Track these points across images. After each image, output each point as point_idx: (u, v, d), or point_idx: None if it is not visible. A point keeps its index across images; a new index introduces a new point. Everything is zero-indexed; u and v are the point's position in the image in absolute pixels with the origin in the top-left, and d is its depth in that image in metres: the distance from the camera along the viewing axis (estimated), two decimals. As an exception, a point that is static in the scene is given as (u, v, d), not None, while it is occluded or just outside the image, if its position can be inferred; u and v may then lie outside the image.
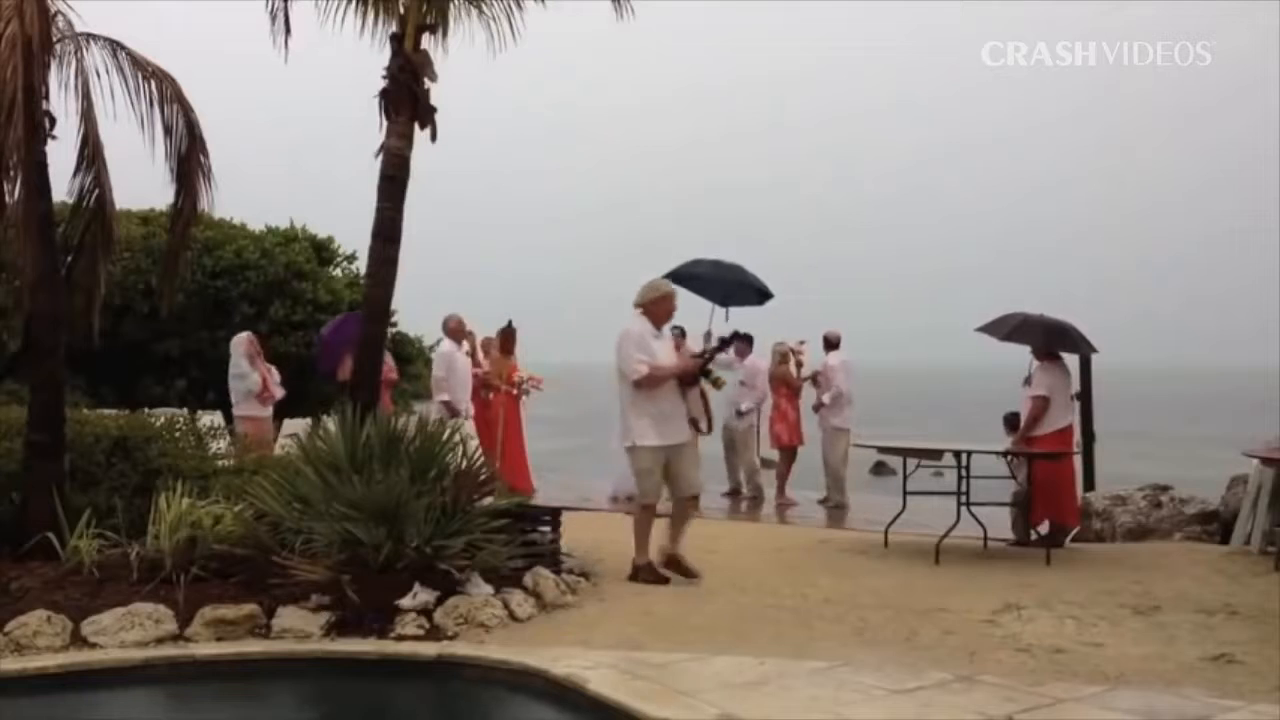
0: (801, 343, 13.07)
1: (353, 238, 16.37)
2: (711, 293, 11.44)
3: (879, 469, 18.86)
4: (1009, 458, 9.28)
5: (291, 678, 5.64)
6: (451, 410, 11.18)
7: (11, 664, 5.41)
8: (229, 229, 16.06)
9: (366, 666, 5.65)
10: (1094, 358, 10.33)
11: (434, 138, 8.58)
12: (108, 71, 7.78)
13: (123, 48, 7.92)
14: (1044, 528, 9.25)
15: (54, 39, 7.32)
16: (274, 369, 12.09)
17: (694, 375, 7.54)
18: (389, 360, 11.16)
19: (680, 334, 9.29)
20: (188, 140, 8.10)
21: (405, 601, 6.06)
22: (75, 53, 7.62)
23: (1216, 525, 9.66)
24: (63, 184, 7.69)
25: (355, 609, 5.98)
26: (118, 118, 7.81)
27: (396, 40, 8.44)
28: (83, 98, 7.59)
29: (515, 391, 12.41)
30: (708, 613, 6.63)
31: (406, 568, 6.18)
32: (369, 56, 8.59)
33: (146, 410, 10.94)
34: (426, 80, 8.44)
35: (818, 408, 12.53)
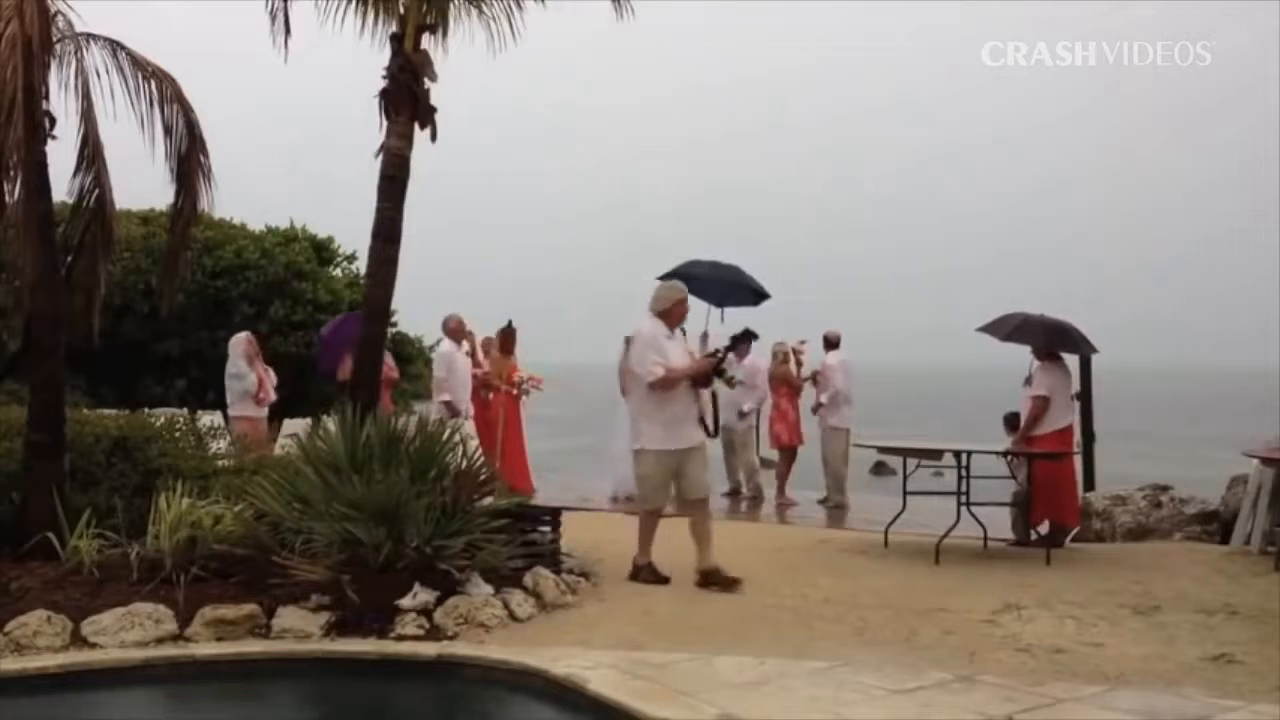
0: (803, 342, 13.07)
1: (353, 238, 16.37)
2: (708, 294, 11.45)
3: (879, 469, 18.85)
4: (1009, 458, 9.29)
5: (291, 678, 5.64)
6: (452, 410, 11.18)
7: (11, 664, 5.42)
8: (229, 229, 16.06)
9: (366, 666, 5.65)
10: (1094, 358, 10.33)
11: (434, 138, 8.58)
12: (108, 71, 7.79)
13: (123, 48, 7.92)
14: (1044, 528, 9.25)
15: (54, 39, 7.32)
16: (271, 371, 12.09)
17: (708, 376, 7.52)
18: (389, 360, 11.16)
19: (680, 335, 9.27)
20: (188, 140, 8.10)
21: (405, 601, 6.06)
22: (75, 53, 7.62)
23: (1216, 525, 9.66)
24: (63, 184, 7.71)
25: (355, 609, 5.98)
26: (118, 118, 7.81)
27: (396, 40, 8.44)
28: (83, 98, 7.59)
29: (515, 391, 12.41)
30: (708, 613, 6.63)
31: (406, 568, 6.18)
32: (369, 56, 8.59)
33: (146, 410, 10.95)
34: (426, 80, 8.44)
35: (816, 408, 12.53)
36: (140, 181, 9.33)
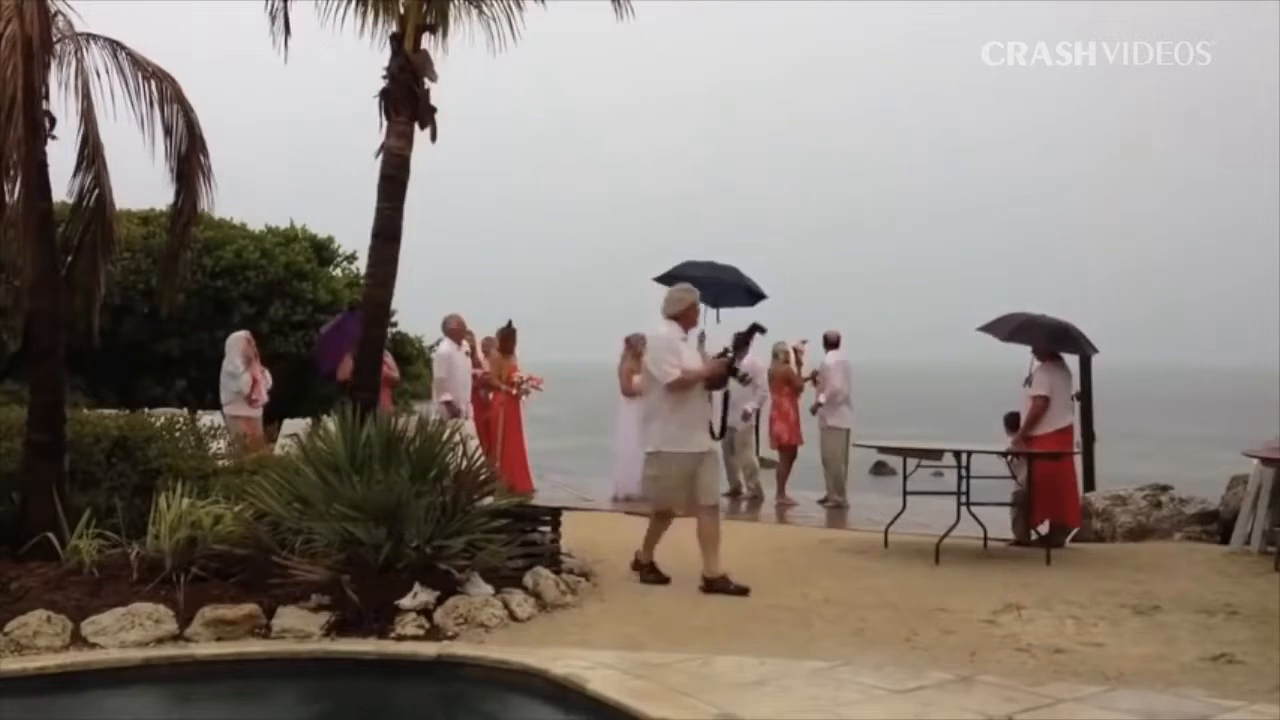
0: (804, 342, 13.07)
1: (353, 238, 16.38)
2: (704, 294, 11.45)
3: (879, 469, 18.85)
4: (1009, 458, 9.29)
5: (291, 678, 5.63)
6: (453, 411, 11.18)
7: (11, 664, 5.41)
8: (229, 229, 16.06)
9: (366, 666, 5.65)
10: (1094, 358, 10.33)
11: (434, 138, 8.58)
12: (108, 71, 7.79)
13: (123, 48, 7.92)
14: (1044, 528, 9.25)
15: (54, 39, 7.32)
16: (267, 373, 12.09)
17: (723, 376, 7.50)
18: (389, 360, 11.16)
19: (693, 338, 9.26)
20: (188, 140, 8.10)
21: (405, 601, 6.06)
22: (75, 53, 7.61)
23: (1216, 525, 9.66)
24: (63, 184, 7.71)
25: (355, 609, 5.98)
26: (118, 118, 7.81)
27: (396, 40, 8.45)
28: (83, 98, 7.59)
29: (515, 391, 12.41)
30: (708, 613, 6.63)
31: (406, 568, 6.18)
32: (369, 56, 8.60)
33: (146, 410, 10.95)
34: (426, 80, 8.44)
35: (816, 409, 12.53)
36: (140, 181, 9.34)
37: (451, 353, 11.90)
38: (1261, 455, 8.80)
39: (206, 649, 5.68)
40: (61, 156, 7.62)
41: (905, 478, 8.96)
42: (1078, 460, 9.95)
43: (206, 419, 10.40)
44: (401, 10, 8.51)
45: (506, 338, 12.66)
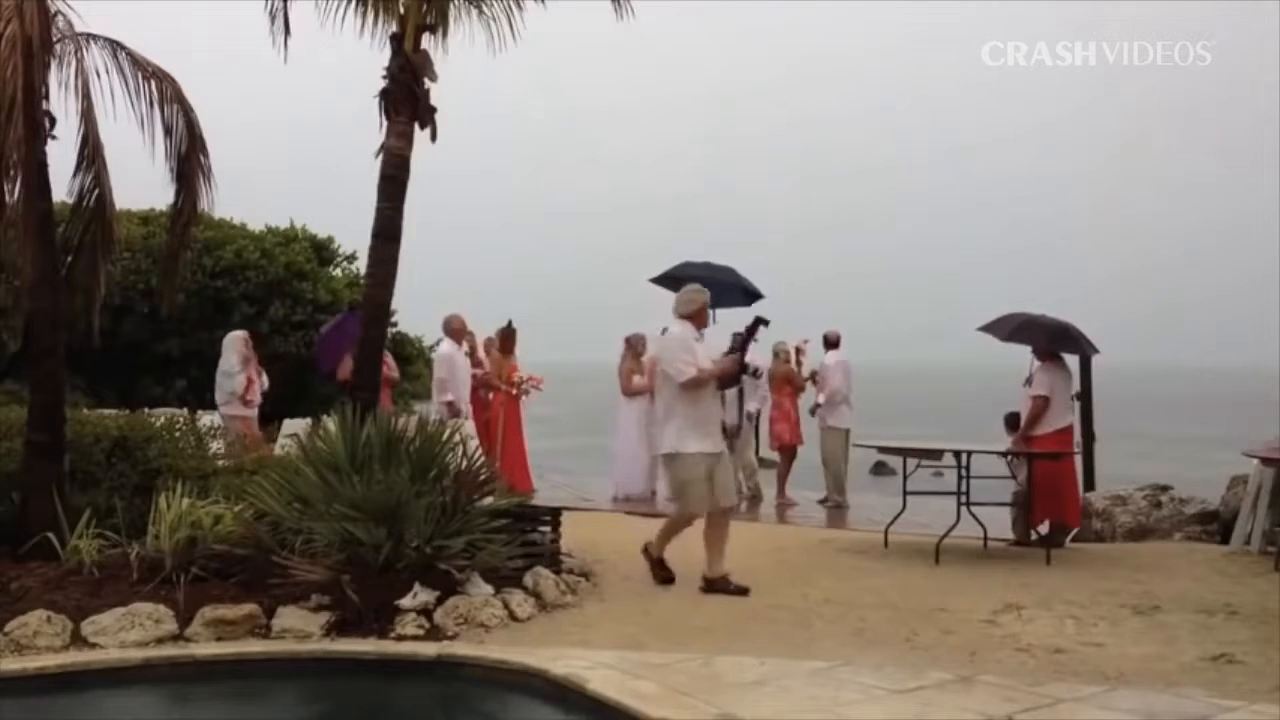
0: (805, 341, 13.08)
1: (353, 238, 16.39)
2: None
3: (879, 469, 18.86)
4: (1009, 458, 9.29)
5: (291, 678, 5.63)
6: (454, 411, 11.18)
7: (11, 664, 5.41)
8: (229, 229, 16.07)
9: (366, 666, 5.65)
10: (1094, 358, 10.33)
11: (434, 138, 8.58)
12: (108, 71, 7.79)
13: (123, 48, 7.92)
14: (1044, 528, 9.25)
15: (54, 39, 7.32)
16: (264, 374, 12.08)
17: (735, 375, 7.48)
18: (389, 360, 11.16)
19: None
20: (188, 140, 8.10)
21: (405, 601, 6.06)
22: (75, 53, 7.61)
23: (1216, 525, 9.66)
24: (63, 184, 7.71)
25: (355, 609, 5.98)
26: (118, 118, 7.81)
27: (396, 40, 8.45)
28: (83, 98, 7.59)
29: (515, 391, 12.41)
30: (708, 613, 6.63)
31: (406, 568, 6.19)
32: (369, 56, 8.60)
33: (146, 410, 10.95)
34: (426, 80, 8.44)
35: (815, 410, 12.53)
36: (140, 181, 9.34)
37: (453, 353, 11.90)
38: (1261, 455, 8.80)
39: (206, 649, 5.68)
40: (61, 156, 7.64)
41: (905, 478, 8.96)
42: (1078, 460, 9.95)
43: (206, 419, 10.41)
44: (401, 10, 8.51)
45: (506, 338, 12.67)
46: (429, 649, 5.73)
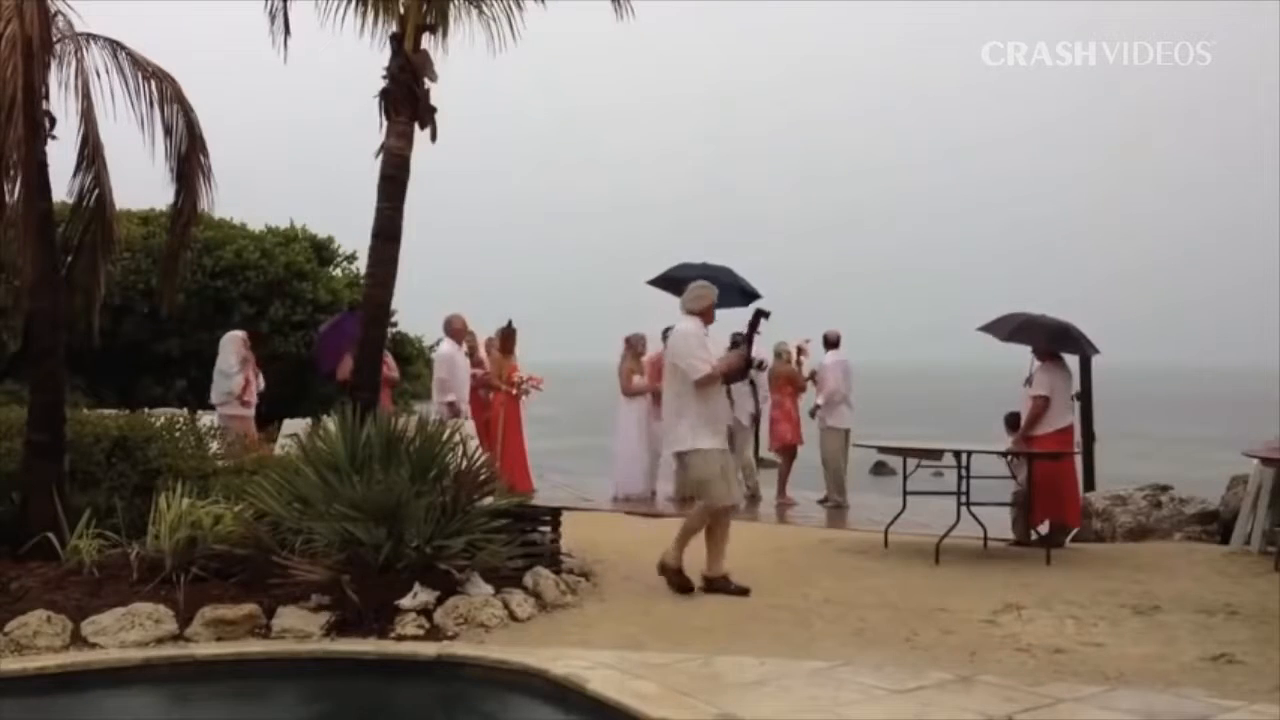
0: (807, 341, 13.08)
1: (353, 238, 16.41)
2: None
3: (879, 469, 18.86)
4: (1009, 458, 9.28)
5: (291, 678, 5.63)
6: (454, 411, 11.18)
7: (11, 664, 5.41)
8: (229, 229, 16.09)
9: (366, 666, 5.65)
10: (1094, 358, 10.33)
11: (434, 138, 8.58)
12: (108, 71, 7.79)
13: (123, 48, 7.93)
14: (1044, 528, 9.25)
15: (54, 39, 7.32)
16: (260, 374, 12.08)
17: (743, 369, 7.45)
18: (389, 360, 11.16)
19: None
20: (188, 140, 8.11)
21: (405, 601, 6.06)
22: (75, 53, 7.62)
23: (1216, 525, 9.66)
24: (63, 184, 7.72)
25: (355, 609, 5.98)
26: (118, 118, 7.82)
27: (396, 40, 8.45)
28: (83, 98, 7.59)
29: (515, 391, 12.41)
30: (708, 613, 6.63)
31: (406, 568, 6.19)
32: (369, 56, 8.60)
33: (146, 410, 10.95)
34: (426, 80, 8.44)
35: (814, 412, 12.53)
36: (140, 181, 9.34)
37: (453, 353, 11.90)
38: (1261, 455, 8.80)
39: (206, 649, 5.68)
40: (61, 156, 7.64)
41: (905, 478, 8.96)
42: (1078, 460, 9.95)
43: (206, 419, 10.41)
44: (401, 10, 8.51)
45: (506, 338, 12.66)
46: (429, 649, 5.73)
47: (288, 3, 8.64)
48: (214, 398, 11.78)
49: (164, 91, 7.99)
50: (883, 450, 11.62)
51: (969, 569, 8.15)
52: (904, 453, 9.15)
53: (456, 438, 7.14)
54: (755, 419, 12.60)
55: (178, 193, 8.23)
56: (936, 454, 9.04)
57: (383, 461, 6.68)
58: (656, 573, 7.21)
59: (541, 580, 6.72)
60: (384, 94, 8.41)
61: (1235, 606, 6.79)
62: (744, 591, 7.07)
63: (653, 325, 12.35)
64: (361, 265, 13.53)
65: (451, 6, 8.84)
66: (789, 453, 12.74)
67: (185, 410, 13.39)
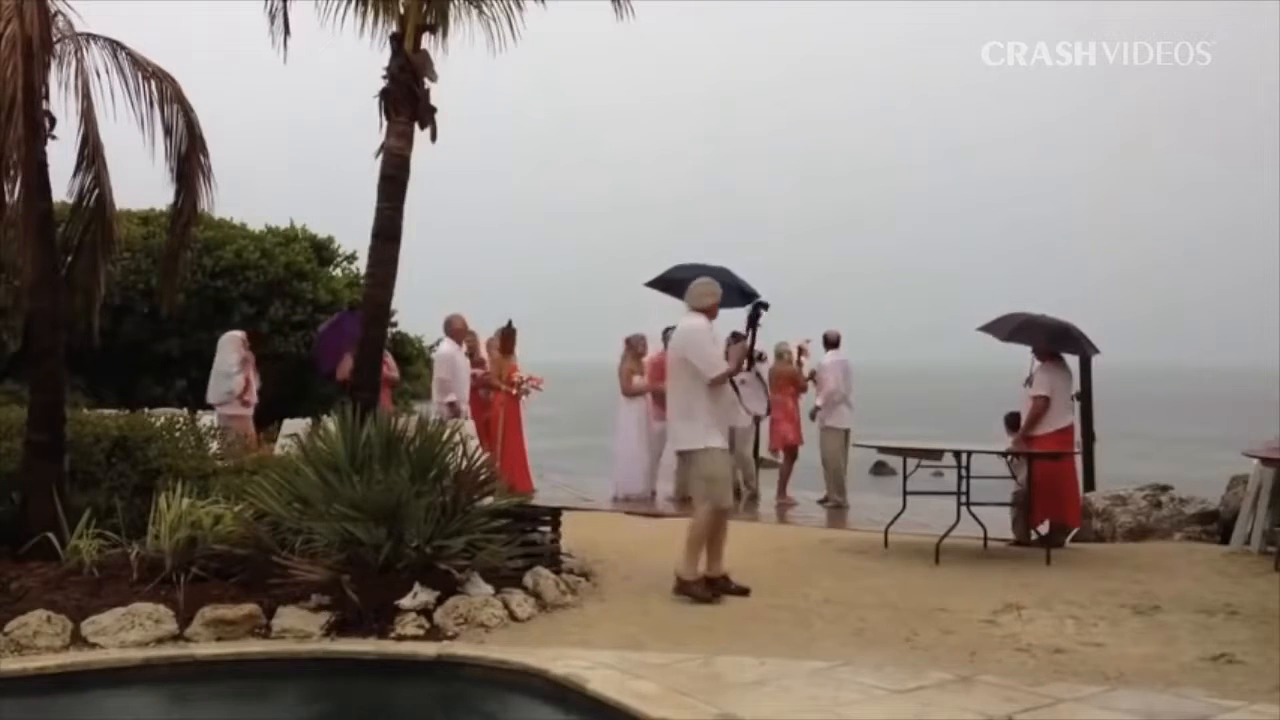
0: (807, 341, 13.08)
1: (353, 238, 16.40)
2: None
3: (879, 469, 18.86)
4: (1009, 458, 9.28)
5: (291, 678, 5.63)
6: (455, 411, 11.17)
7: (11, 664, 5.41)
8: (229, 229, 16.08)
9: (366, 666, 5.65)
10: (1094, 358, 10.33)
11: (434, 138, 8.58)
12: (108, 71, 7.80)
13: (123, 48, 7.93)
14: (1044, 528, 9.25)
15: (54, 39, 7.32)
16: (256, 374, 12.07)
17: (748, 363, 7.44)
18: (389, 360, 11.16)
19: None
20: (188, 140, 8.11)
21: (405, 601, 6.06)
22: (75, 53, 7.62)
23: (1216, 525, 9.66)
24: (63, 184, 7.72)
25: (355, 609, 5.98)
26: (118, 118, 7.82)
27: (396, 40, 8.45)
28: (83, 98, 7.60)
29: (515, 391, 12.41)
30: (707, 613, 6.63)
31: (406, 568, 6.19)
32: (369, 56, 8.60)
33: (146, 410, 10.95)
34: (426, 80, 8.44)
35: (814, 413, 12.53)
36: (140, 181, 9.35)
37: (454, 353, 11.90)
38: (1261, 455, 8.80)
39: (206, 649, 5.68)
40: (61, 156, 7.64)
41: (905, 478, 8.96)
42: (1078, 460, 9.95)
43: (206, 419, 10.41)
44: (401, 10, 8.51)
45: (507, 338, 12.66)
46: (429, 649, 5.73)
47: (288, 3, 8.64)
48: (212, 397, 11.78)
49: (164, 91, 8.00)
50: (883, 450, 11.63)
51: (969, 569, 8.15)
52: (904, 453, 9.15)
53: (456, 438, 7.14)
54: (758, 418, 12.58)
55: (178, 193, 8.24)
56: (936, 454, 9.04)
57: (383, 461, 6.68)
58: (674, 592, 6.95)
59: (541, 580, 6.72)
60: (384, 94, 8.41)
61: (1235, 606, 6.79)
62: (744, 591, 7.07)
63: (653, 326, 12.35)
64: (361, 265, 13.53)
65: (451, 6, 8.84)
66: (791, 453, 12.75)
67: (185, 410, 13.41)
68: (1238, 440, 10.21)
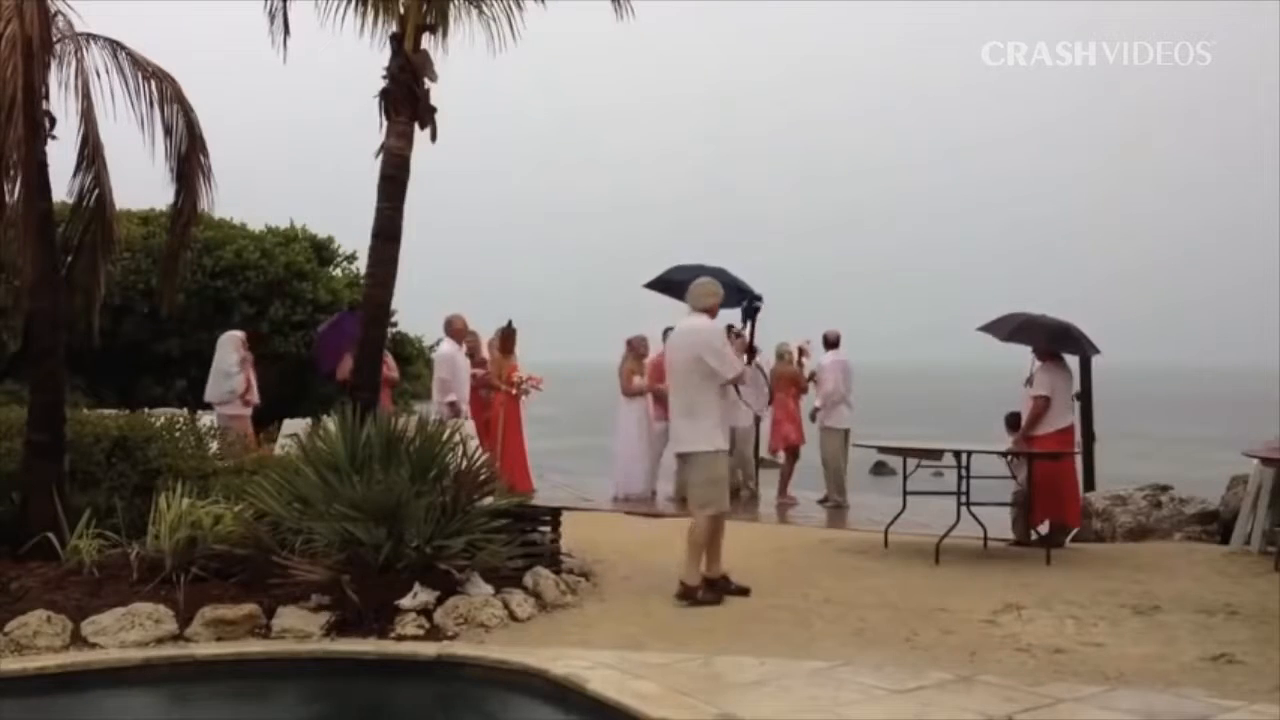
0: (808, 341, 13.08)
1: (353, 238, 16.41)
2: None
3: (879, 469, 18.86)
4: (1009, 458, 9.28)
5: (291, 678, 5.64)
6: (455, 411, 11.17)
7: (11, 664, 5.41)
8: (229, 229, 16.08)
9: (366, 666, 5.65)
10: (1094, 358, 10.33)
11: (434, 138, 8.58)
12: (108, 71, 7.80)
13: (123, 48, 7.93)
14: (1044, 528, 9.25)
15: (54, 39, 7.33)
16: (254, 376, 12.07)
17: (747, 357, 7.43)
18: (389, 360, 11.15)
19: None
20: (188, 140, 8.11)
21: (405, 601, 6.06)
22: (75, 53, 7.62)
23: (1216, 525, 9.66)
24: (63, 184, 7.72)
25: (355, 609, 5.98)
26: (118, 118, 7.82)
27: (396, 40, 8.45)
28: (83, 98, 7.60)
29: (515, 391, 12.40)
30: (707, 613, 6.63)
31: (406, 568, 6.19)
32: (369, 56, 8.60)
33: (146, 410, 10.96)
34: (426, 80, 8.44)
35: (814, 414, 12.53)
36: (140, 181, 9.35)
37: (454, 353, 11.90)
38: (1261, 455, 8.80)
39: (206, 649, 5.68)
40: (61, 156, 7.64)
41: (905, 478, 8.96)
42: (1078, 460, 9.95)
43: (206, 419, 10.41)
44: (401, 10, 8.51)
45: (506, 338, 12.66)
46: (429, 649, 5.73)
47: (288, 3, 8.64)
48: (212, 396, 11.77)
49: (164, 91, 8.00)
50: (883, 450, 11.63)
51: (969, 569, 8.15)
52: (904, 453, 9.15)
53: (456, 438, 7.14)
54: (758, 417, 12.58)
55: (178, 193, 8.24)
56: (936, 454, 9.04)
57: (383, 461, 6.68)
58: (678, 597, 6.87)
59: (541, 580, 6.72)
60: (384, 94, 8.41)
61: (1235, 606, 6.79)
62: (744, 591, 7.07)
63: (653, 326, 12.34)
64: (361, 265, 13.54)
65: (451, 6, 8.84)
66: (792, 452, 12.75)
67: (185, 410, 13.41)
68: (1238, 440, 10.21)
